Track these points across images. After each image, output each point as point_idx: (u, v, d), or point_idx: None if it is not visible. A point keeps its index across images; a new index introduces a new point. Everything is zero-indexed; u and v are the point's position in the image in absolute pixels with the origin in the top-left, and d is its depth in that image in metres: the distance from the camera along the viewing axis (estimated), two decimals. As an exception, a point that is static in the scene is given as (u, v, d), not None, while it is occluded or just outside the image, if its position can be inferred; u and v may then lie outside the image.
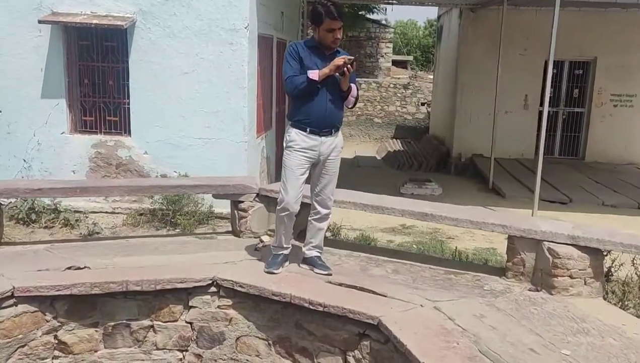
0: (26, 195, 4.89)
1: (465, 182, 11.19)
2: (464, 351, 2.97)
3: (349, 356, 3.51)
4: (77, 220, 6.99)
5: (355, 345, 3.46)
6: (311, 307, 3.52)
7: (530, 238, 4.16)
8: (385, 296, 3.69)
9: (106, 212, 7.47)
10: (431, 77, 18.67)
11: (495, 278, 4.33)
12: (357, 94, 4.02)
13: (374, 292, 3.73)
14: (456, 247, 5.85)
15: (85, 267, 4.10)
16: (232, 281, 3.79)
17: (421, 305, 3.58)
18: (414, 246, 6.29)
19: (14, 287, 3.59)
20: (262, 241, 4.90)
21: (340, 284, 3.87)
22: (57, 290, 3.66)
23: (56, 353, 3.82)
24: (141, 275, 3.81)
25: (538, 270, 4.15)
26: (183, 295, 3.87)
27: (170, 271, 3.94)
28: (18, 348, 3.65)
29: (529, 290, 4.10)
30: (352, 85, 3.92)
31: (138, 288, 3.75)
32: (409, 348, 2.94)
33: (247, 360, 3.89)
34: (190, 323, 3.92)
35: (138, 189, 4.91)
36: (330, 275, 4.02)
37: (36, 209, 6.88)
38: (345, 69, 3.70)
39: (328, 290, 3.76)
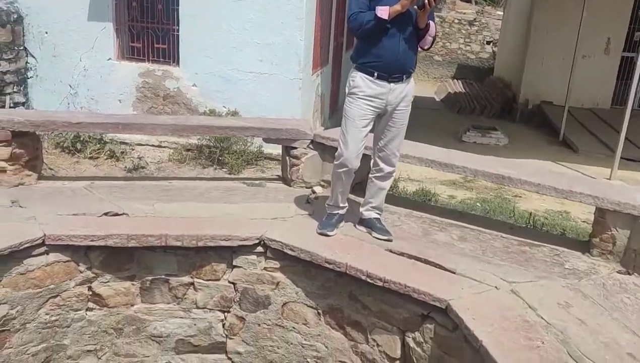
0: (65, 129, 4.57)
1: (532, 132, 10.32)
2: (551, 354, 2.50)
3: (409, 337, 3.10)
4: (122, 153, 6.75)
5: (417, 327, 3.04)
6: (369, 280, 3.09)
7: (626, 213, 3.56)
8: (454, 272, 3.22)
9: (152, 146, 7.19)
10: (500, 13, 17.23)
11: (577, 255, 3.77)
12: (435, 33, 3.40)
13: (441, 267, 3.26)
14: (531, 214, 5.25)
15: (123, 214, 3.77)
16: (281, 242, 3.38)
17: (496, 287, 3.10)
18: (478, 204, 5.73)
19: (45, 235, 3.30)
20: (314, 192, 4.46)
21: (401, 253, 3.41)
22: (90, 241, 3.35)
23: (90, 305, 3.57)
24: (182, 229, 3.46)
25: (631, 251, 3.57)
26: (227, 253, 3.51)
27: (213, 225, 3.56)
28: (50, 298, 3.41)
29: (619, 272, 3.55)
30: (431, 22, 3.31)
31: (178, 244, 3.41)
32: (484, 345, 2.49)
33: (294, 327, 3.54)
34: (234, 283, 3.57)
35: (183, 129, 4.51)
36: (391, 241, 3.56)
37: (82, 138, 6.65)
38: (426, 1, 3.08)
39: (388, 260, 3.31)
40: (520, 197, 6.39)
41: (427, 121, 10.29)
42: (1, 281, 3.18)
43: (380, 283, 3.04)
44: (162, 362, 3.76)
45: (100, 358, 3.69)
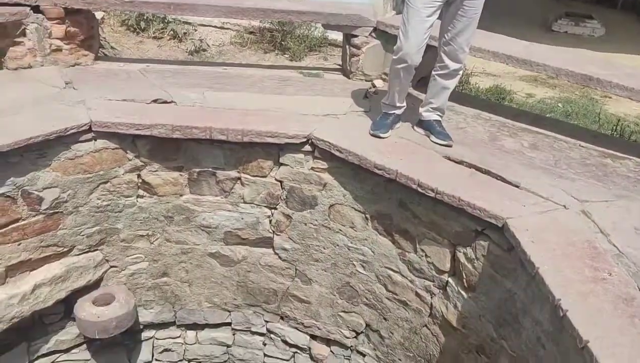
0: (116, 8, 4.37)
1: (635, 24, 9.13)
2: (618, 288, 2.21)
3: (459, 252, 2.89)
4: (185, 33, 6.57)
5: (469, 243, 2.81)
6: (420, 189, 2.84)
7: None
8: (518, 187, 2.90)
9: (215, 27, 6.95)
10: None
11: (668, 172, 3.32)
12: None
13: (503, 179, 2.95)
14: (619, 119, 4.68)
15: (172, 102, 3.64)
16: (330, 143, 3.15)
17: (564, 206, 2.76)
18: (559, 105, 5.18)
19: (91, 121, 3.23)
20: (374, 86, 4.14)
21: (460, 161, 3.11)
22: (136, 129, 3.26)
23: (140, 192, 3.57)
24: (227, 123, 3.29)
25: None
26: (273, 150, 3.33)
27: (260, 120, 3.36)
28: (100, 184, 3.43)
29: None
30: None
31: (223, 138, 3.26)
32: (541, 273, 2.23)
33: (340, 230, 3.41)
34: (280, 181, 3.43)
35: (237, 12, 4.19)
36: (450, 146, 3.25)
37: (145, 17, 6.49)
38: None
39: (444, 169, 3.02)
40: (609, 97, 5.73)
41: (511, 6, 9.26)
42: (50, 165, 3.19)
43: (432, 194, 2.79)
44: (211, 251, 3.79)
45: (152, 244, 3.77)
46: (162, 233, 3.72)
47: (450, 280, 3.02)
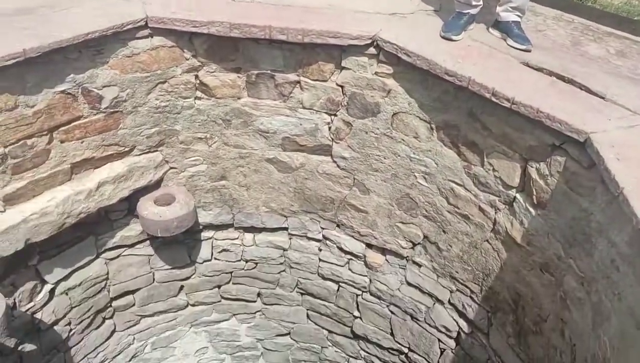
0: None
1: None
2: None
3: (531, 167, 2.71)
4: None
5: (544, 158, 2.62)
6: (494, 99, 2.63)
7: None
8: (603, 98, 2.64)
9: None
10: None
11: None
12: None
13: (587, 89, 2.68)
14: None
15: (230, -3, 3.45)
16: (396, 46, 2.92)
17: (655, 121, 2.51)
18: (652, 9, 4.66)
19: (147, 16, 3.11)
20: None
21: (540, 68, 2.84)
22: (193, 27, 3.13)
23: (198, 94, 3.50)
24: (287, 21, 3.09)
25: None
26: (335, 52, 3.14)
27: (322, 19, 3.15)
28: (158, 84, 3.37)
29: None
30: None
31: (283, 38, 3.08)
32: (626, 194, 2.05)
33: (403, 140, 3.26)
34: (342, 86, 3.27)
35: None
36: (529, 51, 2.97)
37: None
38: None
39: (522, 76, 2.77)
40: None
41: None
42: (108, 62, 3.13)
43: (508, 104, 2.57)
44: (269, 157, 3.74)
45: (210, 147, 3.75)
46: (220, 136, 3.68)
47: (518, 196, 2.87)
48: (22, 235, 3.17)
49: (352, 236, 3.95)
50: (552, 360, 2.84)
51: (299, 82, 3.32)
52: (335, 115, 3.40)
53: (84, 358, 4.37)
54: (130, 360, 4.87)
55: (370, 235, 3.84)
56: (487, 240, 3.17)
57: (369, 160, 3.46)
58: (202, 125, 3.61)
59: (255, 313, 4.94)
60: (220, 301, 4.82)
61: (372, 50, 3.04)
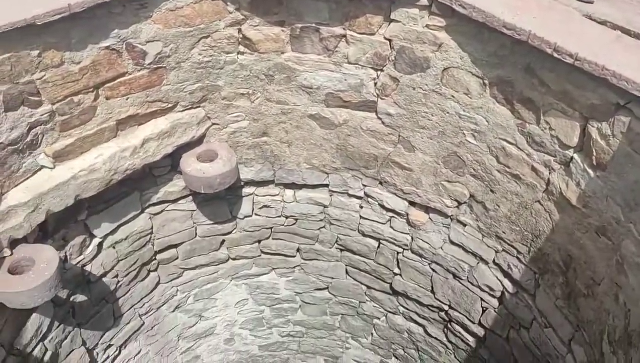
0: None
1: None
2: None
3: (592, 126, 2.59)
4: None
5: (607, 117, 2.49)
6: (555, 54, 2.49)
7: None
8: (675, 53, 2.47)
9: None
10: None
11: None
12: None
13: (657, 44, 2.52)
14: None
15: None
16: (450, -4, 2.78)
17: None
18: None
19: (190, -31, 3.02)
20: None
21: (604, 22, 2.67)
22: (237, -21, 3.03)
23: (241, 49, 3.42)
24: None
25: None
26: (384, 3, 3.01)
27: (371, -31, 3.01)
28: (201, 38, 3.30)
29: None
30: None
31: (329, -11, 2.96)
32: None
33: (453, 96, 3.15)
34: (389, 40, 3.14)
35: None
36: (591, 2, 2.79)
37: None
38: None
39: (585, 30, 2.61)
40: None
41: None
42: (152, 16, 3.07)
43: (570, 60, 2.43)
44: (311, 113, 3.68)
45: (253, 102, 3.69)
46: (263, 92, 3.62)
47: (575, 156, 2.75)
48: (72, 191, 3.22)
49: (395, 194, 3.90)
50: (604, 323, 2.79)
51: (344, 35, 3.21)
52: (381, 70, 3.29)
53: (130, 308, 4.51)
54: (173, 311, 5.01)
55: (414, 193, 3.78)
56: (539, 201, 3.08)
57: (415, 117, 3.37)
58: (245, 81, 3.55)
59: (294, 267, 4.99)
60: (260, 255, 4.88)
61: (424, 1, 2.90)
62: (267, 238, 4.71)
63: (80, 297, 3.91)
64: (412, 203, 3.91)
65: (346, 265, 4.78)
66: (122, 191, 3.79)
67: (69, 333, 3.91)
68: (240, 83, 3.55)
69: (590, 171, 2.67)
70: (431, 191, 3.69)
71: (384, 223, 4.18)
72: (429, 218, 3.89)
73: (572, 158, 2.77)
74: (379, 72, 3.31)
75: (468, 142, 3.26)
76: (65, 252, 3.62)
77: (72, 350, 4.00)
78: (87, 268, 3.86)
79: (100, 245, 3.88)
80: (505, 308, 3.76)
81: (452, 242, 3.85)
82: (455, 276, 4.01)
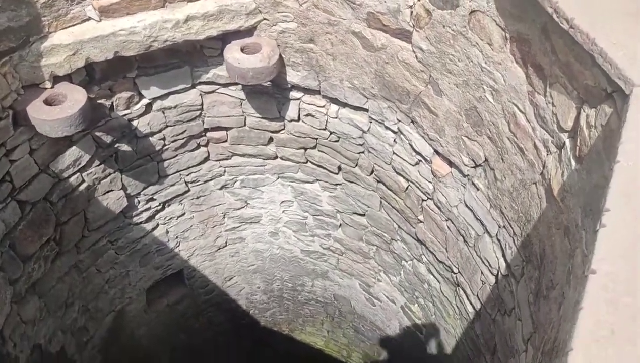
0: None
1: None
2: None
3: (584, 112, 2.20)
4: None
5: (596, 104, 2.10)
6: (555, 16, 2.10)
7: None
8: None
9: None
10: None
11: None
12: None
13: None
14: None
15: None
16: None
17: None
18: None
19: None
20: None
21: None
22: None
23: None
24: None
25: None
26: None
27: None
28: None
29: None
30: None
31: None
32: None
33: (477, 43, 2.82)
34: (425, -34, 2.86)
35: None
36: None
37: None
38: None
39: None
40: None
41: None
42: None
43: (566, 26, 2.04)
44: (355, 30, 3.54)
45: (301, 5, 3.65)
46: (311, -4, 3.54)
47: (567, 142, 2.38)
48: (112, 47, 3.54)
49: (423, 137, 3.70)
50: (546, 331, 2.52)
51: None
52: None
53: (176, 173, 4.95)
54: (220, 189, 5.40)
55: (438, 141, 3.56)
56: (535, 183, 2.75)
57: (444, 59, 3.09)
58: (292, -16, 3.50)
59: (336, 185, 5.04)
60: (306, 163, 4.99)
61: None
62: (313, 148, 4.78)
63: (124, 147, 4.38)
64: (436, 153, 3.69)
65: (381, 198, 4.72)
66: (174, 62, 4.06)
67: (109, 174, 4.44)
68: (288, -16, 3.51)
69: (573, 162, 2.31)
70: (452, 144, 3.44)
71: (412, 165, 4.02)
72: (450, 172, 3.66)
73: (564, 143, 2.40)
74: (414, 1, 3.06)
75: (487, 98, 2.95)
76: (112, 102, 4.04)
77: (111, 190, 4.55)
78: (134, 123, 4.28)
79: (149, 106, 4.25)
80: (497, 289, 3.51)
81: (465, 204, 3.61)
82: (464, 239, 3.79)
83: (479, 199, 3.44)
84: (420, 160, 3.89)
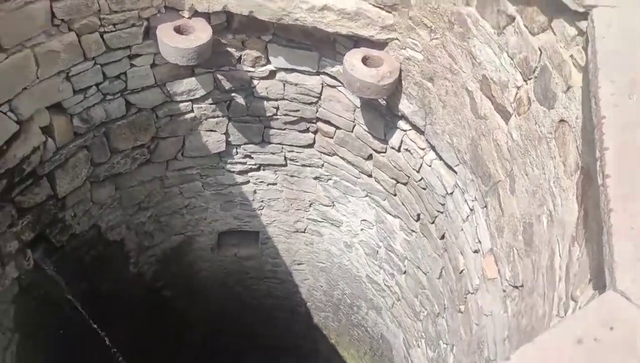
0: None
1: None
2: None
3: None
4: None
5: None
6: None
7: None
8: None
9: None
10: None
11: None
12: None
13: None
14: None
15: None
16: None
17: None
18: None
19: None
20: None
21: None
22: None
23: (442, -22, 3.12)
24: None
25: None
26: (553, 7, 2.32)
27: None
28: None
29: None
30: None
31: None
32: None
33: (554, 157, 2.38)
34: (540, 51, 2.46)
35: None
36: None
37: None
38: None
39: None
40: None
41: None
42: None
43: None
44: (469, 87, 3.23)
45: (431, 40, 3.42)
46: (442, 36, 3.30)
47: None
48: (249, 5, 3.72)
49: (487, 228, 3.29)
50: None
51: (514, 19, 2.63)
52: (525, 82, 2.64)
53: (279, 144, 5.09)
54: (315, 179, 5.41)
55: (495, 240, 3.14)
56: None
57: (526, 158, 2.68)
58: (431, 13, 3.28)
59: (412, 231, 4.75)
60: (394, 195, 4.76)
61: (582, 25, 2.15)
62: (404, 184, 4.53)
63: (239, 99, 4.59)
64: (492, 252, 3.25)
65: (442, 267, 4.34)
66: (307, 43, 4.11)
67: (217, 116, 4.70)
68: (427, 13, 3.30)
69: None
70: (505, 251, 3.01)
71: (472, 252, 3.60)
72: (496, 278, 3.21)
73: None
74: (522, 83, 2.67)
75: (542, 221, 2.50)
76: (241, 55, 4.24)
77: (215, 131, 4.82)
78: (254, 83, 4.45)
79: (272, 73, 4.39)
80: None
81: (493, 319, 3.16)
82: (480, 353, 3.34)
83: (502, 322, 2.98)
84: (478, 250, 3.48)
